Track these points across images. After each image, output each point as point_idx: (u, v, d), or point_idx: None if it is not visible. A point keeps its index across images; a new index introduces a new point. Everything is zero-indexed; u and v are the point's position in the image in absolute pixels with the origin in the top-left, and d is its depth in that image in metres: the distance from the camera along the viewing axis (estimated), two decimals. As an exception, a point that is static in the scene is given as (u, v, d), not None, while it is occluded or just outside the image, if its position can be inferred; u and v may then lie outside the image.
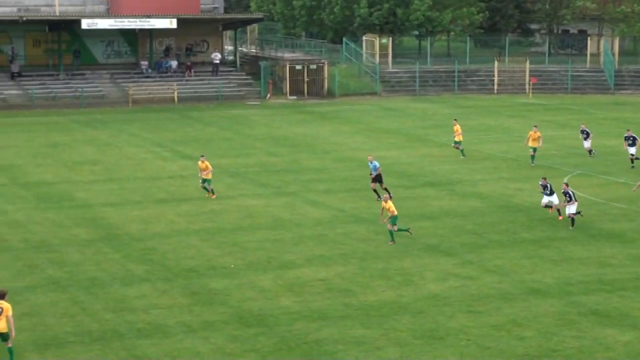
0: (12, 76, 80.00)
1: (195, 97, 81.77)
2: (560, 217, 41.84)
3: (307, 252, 37.09)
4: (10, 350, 25.88)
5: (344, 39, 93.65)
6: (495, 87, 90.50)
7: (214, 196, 45.45)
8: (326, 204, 44.74)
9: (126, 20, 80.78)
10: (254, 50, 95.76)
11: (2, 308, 25.77)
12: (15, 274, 33.65)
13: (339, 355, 27.15)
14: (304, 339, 28.24)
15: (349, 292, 32.48)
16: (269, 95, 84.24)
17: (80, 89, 78.58)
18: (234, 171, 52.60)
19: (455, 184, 49.52)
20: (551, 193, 42.18)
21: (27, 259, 35.47)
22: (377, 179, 45.86)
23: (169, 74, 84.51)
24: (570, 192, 40.71)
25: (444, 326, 29.32)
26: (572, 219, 40.63)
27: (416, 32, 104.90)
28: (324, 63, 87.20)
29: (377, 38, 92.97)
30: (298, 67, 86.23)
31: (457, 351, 27.50)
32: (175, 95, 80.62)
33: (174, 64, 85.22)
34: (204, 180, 45.53)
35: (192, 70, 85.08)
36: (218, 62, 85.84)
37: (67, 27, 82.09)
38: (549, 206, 42.40)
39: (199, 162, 46.02)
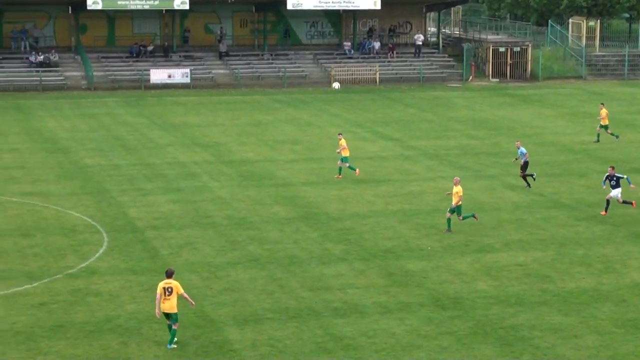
0: (220, 56, 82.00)
1: (396, 79, 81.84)
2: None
3: (505, 236, 36.68)
4: (173, 332, 25.93)
5: (550, 21, 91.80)
6: None
7: (340, 176, 45.82)
8: (526, 189, 44.03)
9: (331, 0, 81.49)
10: (457, 32, 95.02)
11: (171, 287, 25.87)
12: (218, 250, 34.55)
13: (535, 341, 26.74)
14: (500, 324, 27.95)
15: (547, 278, 31.95)
16: (471, 77, 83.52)
17: (283, 69, 79.88)
18: (433, 153, 52.44)
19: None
20: (616, 185, 39.79)
21: (230, 236, 36.35)
22: (523, 166, 44.43)
23: (371, 55, 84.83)
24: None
25: (647, 316, 28.49)
26: None
27: (626, 15, 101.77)
28: (528, 45, 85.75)
29: (585, 21, 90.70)
30: (501, 49, 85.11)
31: (661, 342, 26.68)
32: (377, 76, 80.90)
33: (376, 45, 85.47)
34: (343, 159, 45.75)
35: (395, 52, 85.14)
36: (420, 43, 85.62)
37: (272, 7, 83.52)
38: (624, 201, 39.91)
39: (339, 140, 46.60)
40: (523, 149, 44.49)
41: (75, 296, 29.41)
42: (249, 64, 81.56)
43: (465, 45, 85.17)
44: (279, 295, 30.15)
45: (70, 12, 79.42)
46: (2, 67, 75.96)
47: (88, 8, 75.78)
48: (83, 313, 28.13)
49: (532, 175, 44.25)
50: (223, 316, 28.22)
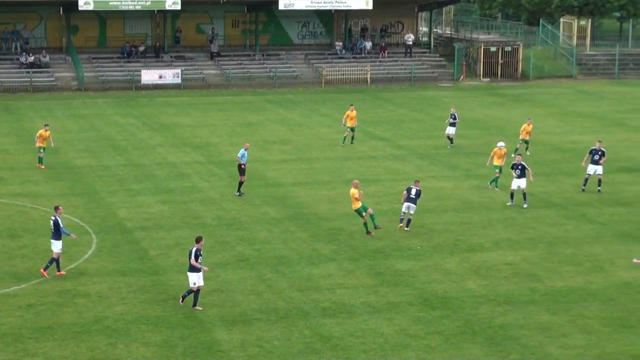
0: (212, 56, 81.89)
1: (387, 79, 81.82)
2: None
3: (494, 236, 36.75)
4: None
5: (541, 21, 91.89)
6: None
7: (43, 166, 47.29)
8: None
9: (323, 0, 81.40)
10: (449, 32, 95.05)
11: None
12: (208, 251, 34.37)
13: (524, 340, 26.83)
14: (488, 323, 28.04)
15: (536, 277, 32.04)
16: (462, 77, 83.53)
17: (274, 70, 79.82)
18: (423, 153, 52.43)
19: (653, 170, 48.10)
20: None
21: (219, 236, 36.31)
22: (241, 169, 42.50)
23: (362, 55, 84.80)
24: None
25: (635, 314, 28.57)
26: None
27: (617, 14, 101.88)
28: (519, 45, 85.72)
29: (576, 20, 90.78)
30: (492, 49, 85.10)
31: (648, 341, 26.77)
32: (368, 76, 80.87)
33: (368, 45, 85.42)
34: (41, 148, 47.48)
35: (386, 52, 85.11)
36: (411, 43, 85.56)
37: (264, 7, 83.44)
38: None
39: (42, 131, 47.89)
40: (245, 153, 42.45)
41: (63, 297, 29.37)
42: (240, 64, 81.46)
43: (456, 45, 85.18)
44: (267, 295, 30.18)
45: (61, 13, 79.22)
46: (-7, 68, 75.84)
47: (79, 9, 75.59)
48: (71, 314, 28.11)
49: None
50: (212, 317, 28.23)
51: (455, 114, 53.91)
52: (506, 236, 36.67)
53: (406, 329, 27.63)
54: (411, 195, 37.30)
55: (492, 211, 40.31)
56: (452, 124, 53.80)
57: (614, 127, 60.61)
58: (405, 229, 37.08)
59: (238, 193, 42.52)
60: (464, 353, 26.09)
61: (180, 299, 29.12)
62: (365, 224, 36.71)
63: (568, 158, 51.08)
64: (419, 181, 38.24)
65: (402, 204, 37.52)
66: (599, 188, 43.20)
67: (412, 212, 37.25)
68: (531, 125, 52.23)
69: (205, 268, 29.45)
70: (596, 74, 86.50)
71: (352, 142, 54.17)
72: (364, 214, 36.56)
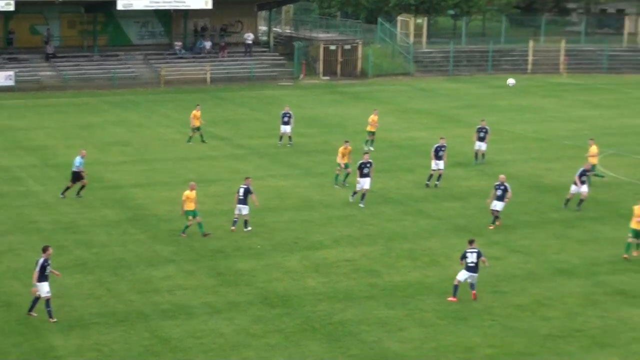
0: (47, 57, 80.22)
1: (227, 78, 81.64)
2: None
3: (334, 233, 37.11)
4: None
5: (379, 19, 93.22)
6: (530, 66, 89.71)
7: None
8: (355, 185, 44.51)
9: (162, 0, 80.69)
10: (289, 31, 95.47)
11: None
12: (43, 255, 33.81)
13: (363, 336, 27.19)
14: (328, 320, 28.31)
15: (375, 272, 32.51)
16: (302, 75, 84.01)
17: (112, 70, 78.73)
18: (263, 152, 52.52)
19: (484, 164, 49.23)
20: None
21: (56, 241, 35.50)
22: (76, 176, 41.97)
23: (202, 54, 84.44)
24: None
25: (468, 307, 29.29)
26: None
27: (452, 12, 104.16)
28: (358, 43, 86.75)
29: (412, 18, 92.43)
30: (332, 47, 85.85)
31: (481, 332, 27.48)
32: (208, 76, 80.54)
33: (207, 44, 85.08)
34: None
35: (226, 51, 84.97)
36: (251, 42, 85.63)
37: (102, 8, 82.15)
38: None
39: None
40: (82, 160, 41.66)
41: None
42: (77, 65, 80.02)
43: (296, 44, 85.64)
44: (106, 299, 29.79)
45: None
46: None
47: None
48: None
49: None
50: (47, 323, 27.68)
51: (290, 113, 54.23)
52: (346, 233, 37.07)
53: (246, 328, 27.67)
54: (240, 197, 37.22)
55: (332, 209, 40.67)
56: (286, 123, 54.10)
57: (448, 123, 61.91)
58: (245, 229, 37.07)
59: (62, 195, 41.78)
60: (303, 350, 26.28)
61: (49, 317, 27.88)
62: (195, 225, 36.42)
63: (406, 154, 51.98)
64: (249, 178, 38.23)
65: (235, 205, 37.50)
66: (436, 182, 44.14)
67: (244, 212, 37.20)
68: (377, 116, 53.11)
69: (57, 273, 28.98)
70: (432, 70, 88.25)
71: (203, 141, 54.30)
72: (190, 218, 36.26)
